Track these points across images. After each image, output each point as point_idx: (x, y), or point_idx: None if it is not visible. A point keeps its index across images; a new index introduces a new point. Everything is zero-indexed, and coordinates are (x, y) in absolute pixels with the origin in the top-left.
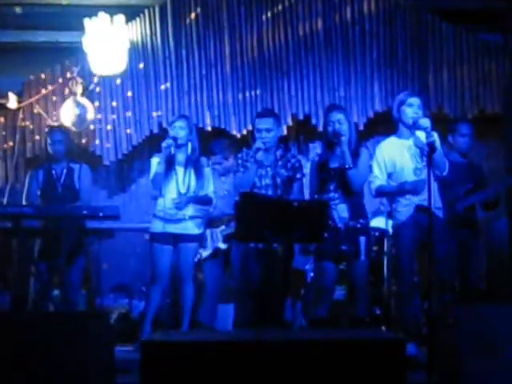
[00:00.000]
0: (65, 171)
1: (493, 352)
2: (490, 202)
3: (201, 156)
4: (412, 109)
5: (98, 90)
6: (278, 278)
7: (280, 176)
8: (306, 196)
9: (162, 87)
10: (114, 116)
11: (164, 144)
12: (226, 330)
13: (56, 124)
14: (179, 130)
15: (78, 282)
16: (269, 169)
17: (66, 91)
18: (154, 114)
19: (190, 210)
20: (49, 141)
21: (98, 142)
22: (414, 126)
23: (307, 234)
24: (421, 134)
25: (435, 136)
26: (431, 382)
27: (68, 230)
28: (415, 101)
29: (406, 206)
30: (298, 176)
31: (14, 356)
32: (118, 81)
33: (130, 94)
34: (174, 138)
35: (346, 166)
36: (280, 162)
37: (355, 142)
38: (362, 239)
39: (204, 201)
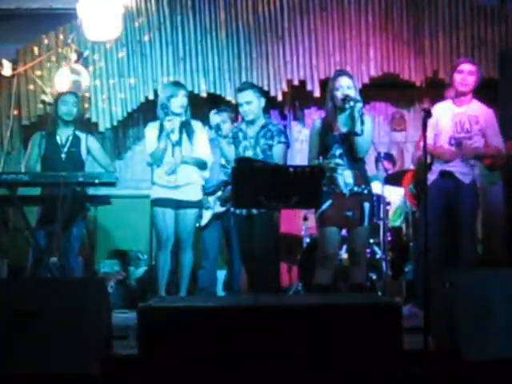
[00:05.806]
0: (70, 138)
1: (488, 315)
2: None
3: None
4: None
5: (92, 57)
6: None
7: (260, 146)
8: (305, 161)
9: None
10: (110, 83)
11: (174, 123)
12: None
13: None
14: (184, 98)
15: (75, 248)
16: (252, 140)
17: (61, 58)
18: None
19: (188, 176)
20: (61, 103)
21: (93, 109)
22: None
23: (303, 200)
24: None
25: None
26: (427, 345)
27: (65, 197)
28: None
29: None
30: (277, 141)
31: (10, 324)
32: (113, 48)
33: (124, 61)
34: (183, 107)
35: (359, 133)
36: (261, 132)
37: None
38: (367, 205)
39: (198, 164)
